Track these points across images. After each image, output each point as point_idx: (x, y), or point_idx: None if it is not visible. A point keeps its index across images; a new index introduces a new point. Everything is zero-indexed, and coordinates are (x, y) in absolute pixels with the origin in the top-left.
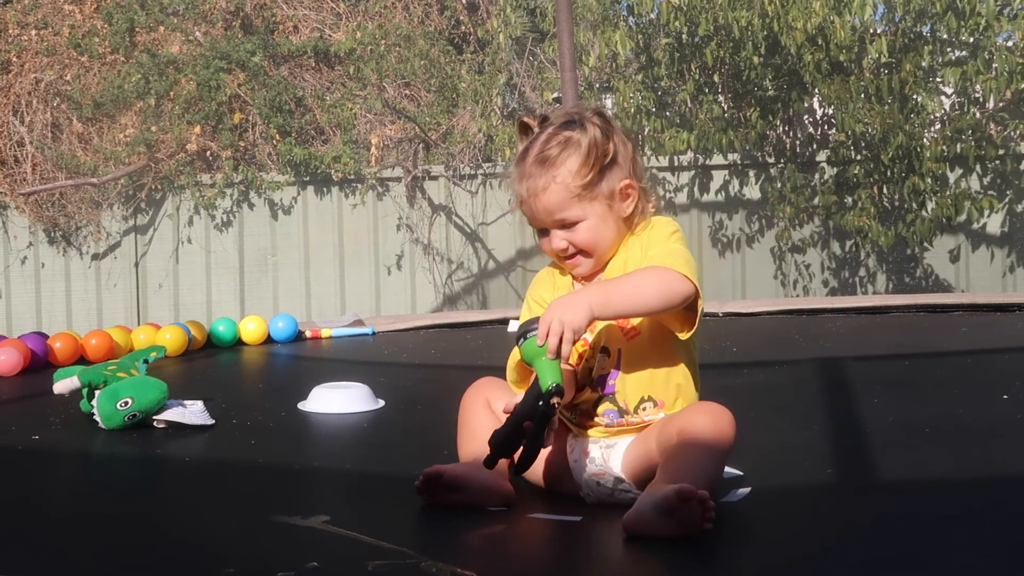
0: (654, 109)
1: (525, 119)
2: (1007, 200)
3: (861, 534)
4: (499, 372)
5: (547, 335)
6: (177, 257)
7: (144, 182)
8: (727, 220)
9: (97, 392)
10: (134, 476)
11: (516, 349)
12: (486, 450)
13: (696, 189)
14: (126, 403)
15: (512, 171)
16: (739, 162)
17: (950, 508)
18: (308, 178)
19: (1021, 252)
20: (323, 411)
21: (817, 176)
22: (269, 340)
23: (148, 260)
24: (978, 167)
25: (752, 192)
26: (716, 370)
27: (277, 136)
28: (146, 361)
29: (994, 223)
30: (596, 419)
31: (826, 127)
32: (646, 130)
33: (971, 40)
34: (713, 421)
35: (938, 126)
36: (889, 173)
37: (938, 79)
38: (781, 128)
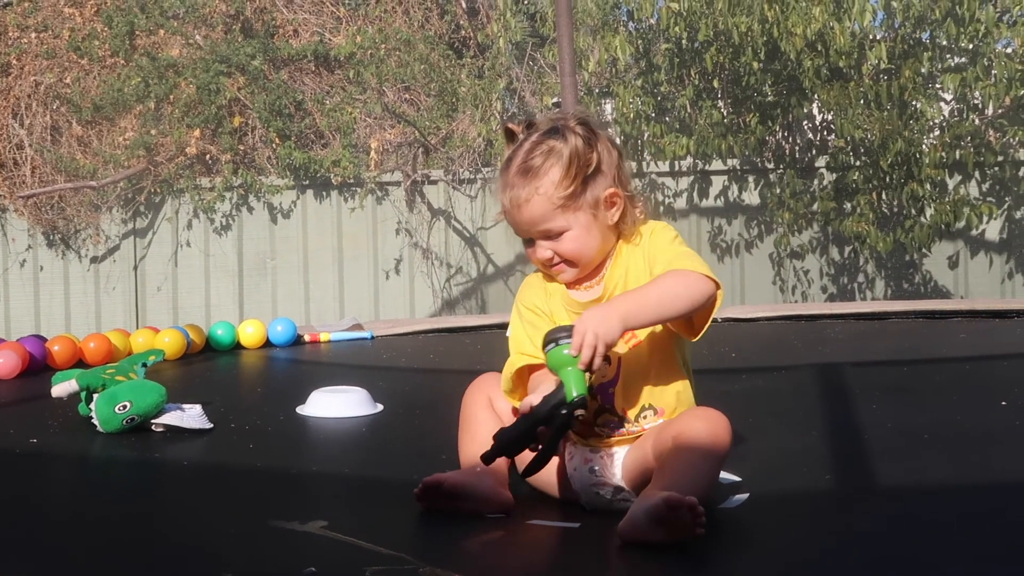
0: (653, 114)
1: (510, 125)
2: (1006, 206)
3: (860, 540)
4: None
5: (581, 347)
6: (176, 260)
7: (143, 185)
8: (726, 225)
9: (95, 395)
10: (132, 480)
11: (514, 357)
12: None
13: (695, 194)
14: (124, 407)
15: (497, 180)
16: (738, 167)
17: (949, 514)
18: (307, 182)
19: (1020, 258)
20: (321, 415)
21: (816, 182)
22: (268, 344)
23: (147, 263)
24: (977, 173)
25: (751, 198)
26: (715, 375)
27: (277, 140)
28: (144, 365)
29: (993, 229)
30: (596, 429)
31: (825, 133)
32: (645, 135)
33: (970, 47)
34: (708, 426)
35: (937, 132)
36: (888, 179)
37: (937, 85)
38: (780, 134)
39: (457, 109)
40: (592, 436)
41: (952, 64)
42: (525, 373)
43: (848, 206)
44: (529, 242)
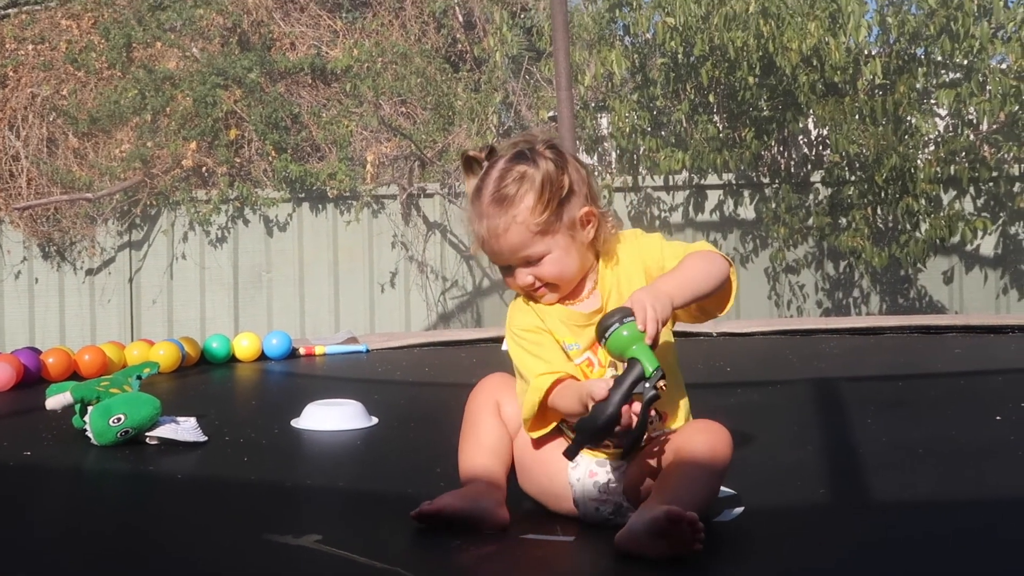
0: (649, 128)
1: (471, 153)
2: (1000, 222)
3: (854, 554)
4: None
5: (646, 321)
6: (171, 273)
7: (139, 197)
8: (721, 240)
9: (90, 408)
10: (126, 493)
11: (537, 381)
12: (486, 464)
13: (691, 209)
14: (119, 419)
15: (468, 210)
16: (734, 182)
17: (943, 529)
18: (303, 195)
19: (1015, 274)
20: (316, 428)
21: (811, 197)
22: (263, 357)
23: (142, 276)
24: (972, 189)
25: (747, 212)
26: (710, 389)
27: (273, 152)
28: (139, 377)
29: (987, 245)
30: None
31: (820, 148)
32: (641, 149)
33: (965, 62)
34: (709, 440)
35: (932, 147)
36: (883, 194)
37: (932, 101)
38: (776, 148)
39: (453, 122)
40: (600, 449)
41: (947, 80)
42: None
43: (843, 221)
44: (507, 269)
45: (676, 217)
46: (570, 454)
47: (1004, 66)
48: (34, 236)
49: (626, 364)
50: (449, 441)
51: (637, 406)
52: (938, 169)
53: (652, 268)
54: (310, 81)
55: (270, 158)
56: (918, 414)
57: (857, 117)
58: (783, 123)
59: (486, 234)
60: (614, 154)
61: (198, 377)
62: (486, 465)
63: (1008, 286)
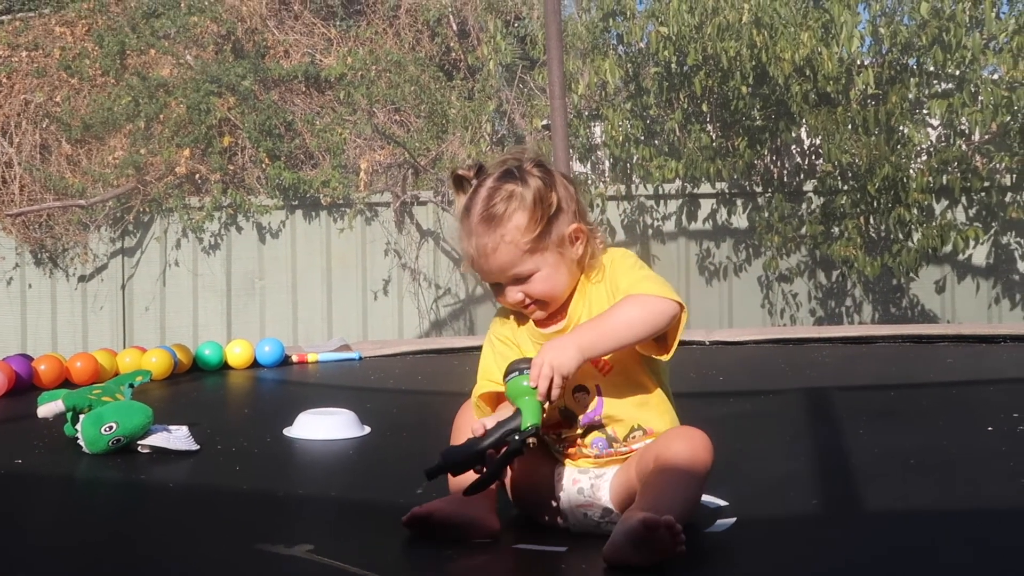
0: (642, 137)
1: (459, 171)
2: (992, 232)
3: (846, 564)
4: None
5: (538, 378)
6: (164, 280)
7: (132, 204)
8: (714, 248)
9: (81, 416)
10: (118, 501)
11: (480, 383)
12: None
13: (684, 217)
14: (111, 427)
15: (458, 228)
16: (727, 191)
17: (934, 539)
18: (297, 202)
19: (1007, 283)
20: (309, 437)
21: (804, 206)
22: (255, 364)
23: (135, 283)
24: (964, 199)
25: (739, 221)
26: (702, 399)
27: (266, 160)
28: (131, 385)
29: (980, 254)
30: (585, 450)
31: (813, 157)
32: (634, 158)
33: (957, 73)
34: (689, 446)
35: (924, 157)
36: (875, 204)
37: (924, 111)
38: (769, 158)
39: (447, 131)
40: (581, 457)
41: (939, 90)
42: (494, 400)
43: (836, 230)
44: (498, 287)
45: (669, 226)
46: (430, 475)
47: (996, 77)
48: (27, 242)
49: (515, 411)
50: (442, 449)
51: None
52: (930, 179)
53: (612, 296)
54: (304, 89)
55: (263, 165)
56: (910, 423)
57: (850, 127)
58: (776, 132)
59: (475, 253)
60: (607, 163)
61: (190, 385)
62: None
63: (1000, 296)
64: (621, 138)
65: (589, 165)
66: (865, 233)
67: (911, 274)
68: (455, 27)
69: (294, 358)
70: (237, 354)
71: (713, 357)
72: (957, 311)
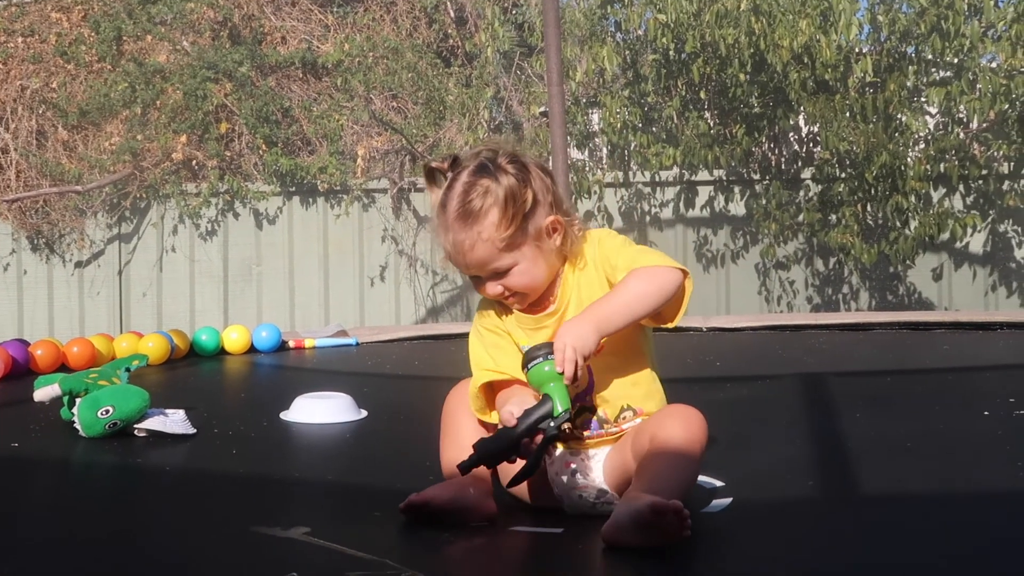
0: (640, 125)
1: (434, 164)
2: (990, 219)
3: (841, 546)
4: None
5: (563, 362)
6: (161, 266)
7: (129, 190)
8: (712, 236)
9: (78, 400)
10: (114, 485)
11: (478, 374)
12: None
13: (681, 204)
14: (107, 411)
15: (434, 222)
16: (724, 178)
17: (930, 522)
18: (294, 188)
19: (1003, 271)
20: (305, 421)
21: (802, 193)
22: (252, 350)
23: (132, 268)
24: (961, 186)
25: (737, 208)
26: (700, 384)
27: (263, 146)
28: (128, 369)
29: (977, 242)
30: (575, 431)
31: (811, 145)
32: (632, 145)
33: (955, 61)
34: (684, 425)
35: (922, 145)
36: (873, 191)
37: (922, 99)
38: (766, 145)
39: (444, 117)
40: (572, 439)
41: (937, 78)
42: (488, 390)
43: (833, 218)
44: (478, 279)
45: (667, 213)
46: (463, 468)
47: (994, 65)
48: (23, 228)
49: (541, 397)
50: (439, 434)
51: (539, 439)
52: (928, 167)
53: (610, 276)
54: (301, 75)
55: (260, 152)
56: (906, 409)
57: (848, 114)
58: (774, 120)
59: (452, 249)
60: (605, 150)
61: (187, 369)
62: None
63: (997, 283)
64: (619, 125)
65: (587, 152)
66: (862, 220)
67: (908, 261)
68: (452, 14)
69: (291, 344)
70: (234, 339)
71: (710, 343)
72: (954, 299)
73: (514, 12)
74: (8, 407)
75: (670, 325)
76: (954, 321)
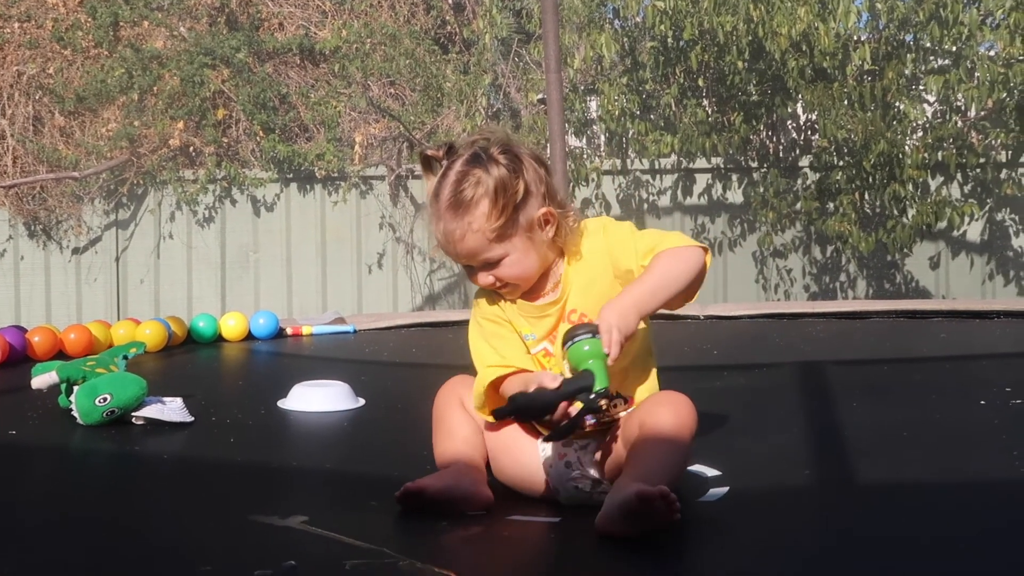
0: (638, 112)
1: (429, 152)
2: (987, 208)
3: (836, 535)
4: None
5: (611, 344)
6: (158, 252)
7: (126, 177)
8: (709, 224)
9: (75, 387)
10: (111, 473)
11: (484, 372)
12: (462, 450)
13: (679, 192)
14: (105, 399)
15: (428, 210)
16: (722, 166)
17: (927, 513)
18: (291, 175)
19: (1000, 260)
20: (303, 409)
21: (799, 181)
22: (250, 337)
23: (129, 255)
24: (959, 175)
25: (735, 196)
26: (696, 372)
27: (261, 133)
28: (126, 357)
29: (974, 231)
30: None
31: (809, 133)
32: (630, 133)
33: (954, 49)
34: (672, 411)
35: (920, 134)
36: (871, 180)
37: (920, 87)
38: (764, 133)
39: (442, 104)
40: (604, 419)
41: (935, 66)
42: (493, 388)
43: (831, 206)
44: (470, 268)
45: (664, 201)
46: (497, 415)
47: (992, 53)
48: (20, 214)
49: (580, 373)
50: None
51: (576, 407)
52: (926, 155)
53: (622, 263)
54: (298, 61)
55: (258, 138)
56: (903, 398)
57: (846, 103)
58: (772, 108)
59: (443, 239)
60: (603, 137)
61: (185, 357)
62: (463, 451)
63: (994, 272)
64: (617, 112)
65: (585, 139)
66: (860, 209)
67: (905, 250)
68: (450, 0)
69: (288, 331)
70: (232, 326)
71: (707, 331)
72: (951, 287)
73: None
74: (5, 394)
75: (690, 301)
76: (951, 309)
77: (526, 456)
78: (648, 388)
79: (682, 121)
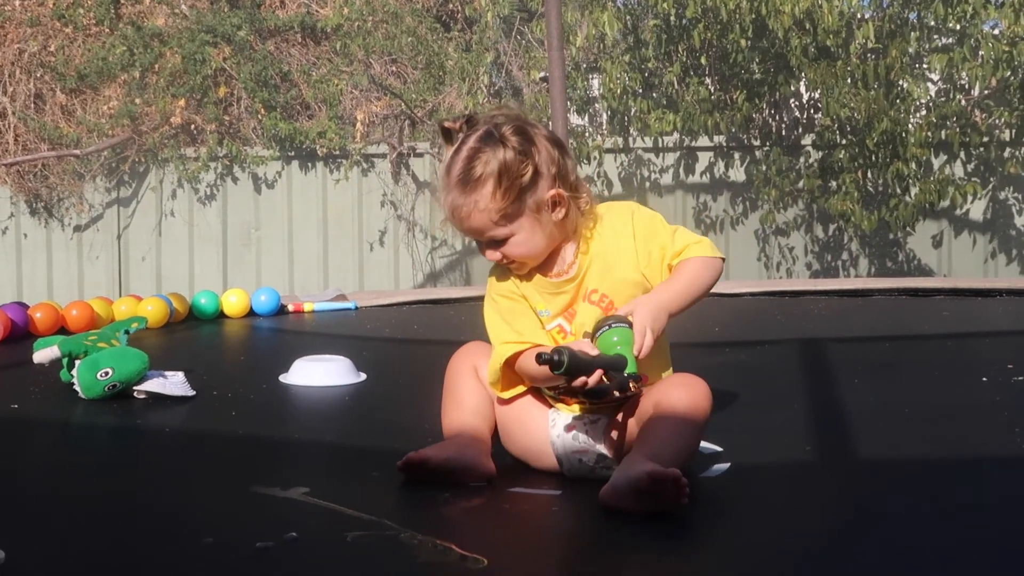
0: (640, 90)
1: (447, 123)
2: (990, 187)
3: (838, 512)
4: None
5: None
6: (160, 230)
7: (127, 154)
8: (711, 202)
9: (77, 362)
10: (113, 447)
11: (500, 348)
12: (469, 420)
13: (681, 170)
14: (106, 373)
15: (439, 183)
16: (724, 144)
17: (927, 489)
18: (293, 153)
19: (1003, 238)
20: (304, 384)
21: (802, 160)
22: (251, 313)
23: (131, 233)
24: (962, 153)
25: (737, 174)
26: (698, 349)
27: (262, 110)
28: (127, 332)
29: (977, 209)
30: (579, 396)
31: (812, 111)
32: (632, 111)
33: (958, 27)
34: (689, 394)
35: (923, 112)
36: (873, 158)
37: (924, 65)
38: (767, 111)
39: (444, 82)
40: (576, 403)
41: (939, 44)
42: (508, 365)
43: (833, 184)
44: (480, 242)
45: (667, 179)
46: (540, 358)
47: (997, 31)
48: (21, 192)
49: (614, 356)
50: (437, 397)
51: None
52: (929, 134)
53: (654, 253)
54: (300, 39)
55: (259, 116)
56: (905, 375)
57: (849, 81)
58: (775, 86)
59: (450, 213)
60: (605, 115)
61: (186, 333)
62: (470, 422)
63: (997, 250)
64: (619, 91)
65: (587, 117)
66: (863, 187)
67: (908, 228)
68: None
69: (290, 308)
70: (233, 303)
71: (709, 308)
72: (953, 266)
73: None
74: (7, 369)
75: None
76: (953, 288)
77: (536, 428)
78: (662, 369)
79: (684, 99)
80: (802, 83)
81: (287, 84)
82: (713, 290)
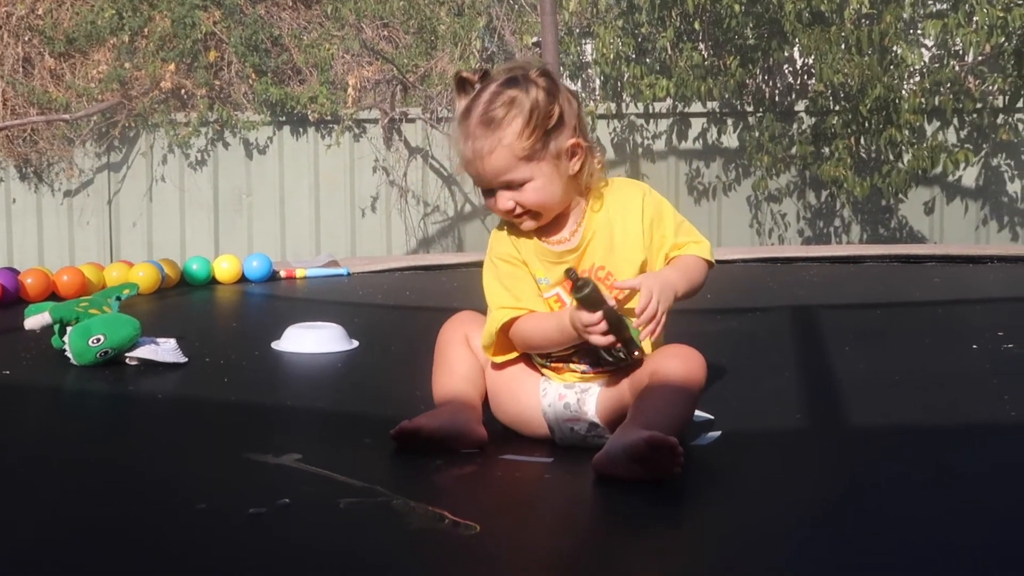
0: (634, 56)
1: (464, 73)
2: (983, 153)
3: (827, 477)
4: (478, 309)
5: (651, 318)
6: (151, 195)
7: (117, 119)
8: (704, 168)
9: (69, 328)
10: (105, 413)
11: (497, 313)
12: (460, 387)
13: (674, 136)
14: (98, 340)
15: (454, 130)
16: (717, 110)
17: (918, 456)
18: (284, 118)
19: (995, 205)
20: (296, 351)
21: (795, 126)
22: (243, 279)
23: (121, 198)
24: (955, 120)
25: (730, 140)
26: (690, 316)
27: (253, 75)
28: (119, 298)
29: (969, 176)
30: (572, 364)
31: (805, 77)
32: (625, 76)
33: None
34: (684, 364)
35: (917, 78)
36: (866, 124)
37: (918, 31)
38: (760, 77)
39: (436, 47)
40: (567, 372)
41: (934, 10)
42: (503, 330)
43: (826, 150)
44: (489, 193)
45: (659, 145)
46: (569, 272)
47: None
48: (11, 157)
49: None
50: (429, 364)
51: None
52: (922, 100)
53: (663, 236)
54: (291, 3)
55: (250, 81)
56: (896, 342)
57: (843, 47)
58: (768, 52)
59: (471, 155)
60: (598, 81)
61: (178, 299)
62: (461, 389)
63: (988, 217)
64: (612, 56)
65: (579, 83)
66: (855, 154)
67: (900, 195)
68: None
69: (282, 273)
70: (225, 269)
71: None
72: (945, 232)
73: None
74: None
75: None
76: (945, 254)
77: (527, 395)
78: (657, 340)
79: (678, 65)
80: (796, 49)
81: (278, 48)
82: None
